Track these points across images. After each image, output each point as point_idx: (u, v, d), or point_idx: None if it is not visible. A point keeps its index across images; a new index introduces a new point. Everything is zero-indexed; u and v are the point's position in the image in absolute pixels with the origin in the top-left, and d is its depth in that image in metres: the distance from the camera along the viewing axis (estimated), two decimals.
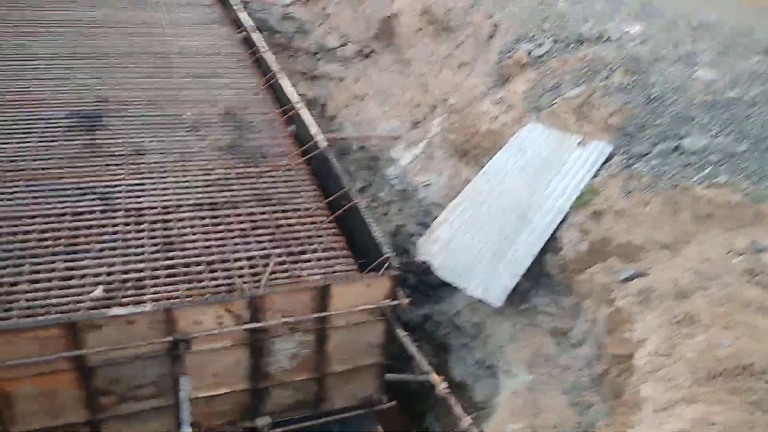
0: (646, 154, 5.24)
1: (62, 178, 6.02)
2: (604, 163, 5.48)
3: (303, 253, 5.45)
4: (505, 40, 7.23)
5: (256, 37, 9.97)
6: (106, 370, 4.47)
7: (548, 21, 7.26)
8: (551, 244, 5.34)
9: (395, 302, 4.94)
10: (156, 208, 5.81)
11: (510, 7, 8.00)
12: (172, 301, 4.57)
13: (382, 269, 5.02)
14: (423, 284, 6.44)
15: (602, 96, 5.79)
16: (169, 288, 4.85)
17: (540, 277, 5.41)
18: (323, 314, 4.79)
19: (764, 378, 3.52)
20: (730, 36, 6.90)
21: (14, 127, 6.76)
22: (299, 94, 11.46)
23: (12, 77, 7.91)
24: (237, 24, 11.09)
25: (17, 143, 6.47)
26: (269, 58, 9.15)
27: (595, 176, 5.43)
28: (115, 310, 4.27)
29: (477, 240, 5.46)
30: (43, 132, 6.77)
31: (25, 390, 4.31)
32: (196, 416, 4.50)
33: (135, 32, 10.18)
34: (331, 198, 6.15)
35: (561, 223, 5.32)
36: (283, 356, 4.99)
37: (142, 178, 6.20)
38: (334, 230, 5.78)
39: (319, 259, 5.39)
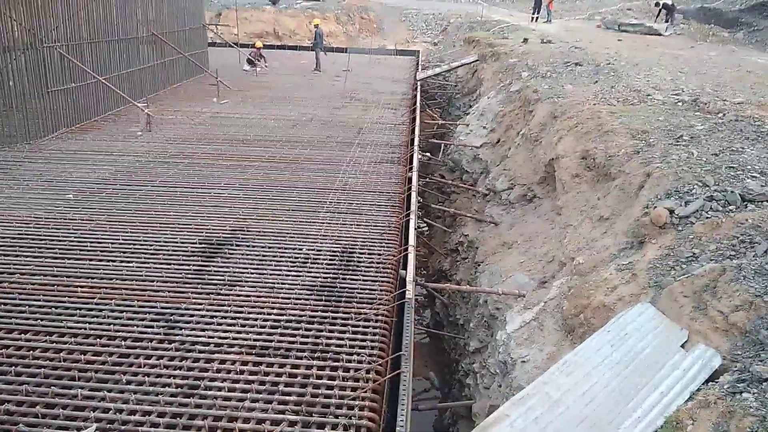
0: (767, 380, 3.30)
1: (150, 301, 6.19)
2: (709, 380, 3.64)
3: (321, 426, 4.56)
4: (654, 192, 5.73)
5: (414, 176, 9.81)
6: None
7: (715, 172, 5.61)
8: None
9: None
10: (209, 344, 5.54)
11: (680, 153, 6.48)
12: None
13: None
14: None
15: (733, 279, 3.99)
16: None
17: None
18: None
19: None
20: None
21: (148, 248, 7.32)
22: (464, 235, 10.88)
23: (180, 203, 8.83)
24: (410, 162, 11.17)
25: (137, 263, 6.94)
26: (413, 197, 8.82)
27: (690, 398, 3.61)
28: None
29: None
30: (168, 255, 7.21)
31: None
32: None
33: (312, 168, 10.83)
34: (389, 359, 5.22)
35: None
36: None
37: (216, 311, 6.06)
38: (372, 402, 4.80)
39: None
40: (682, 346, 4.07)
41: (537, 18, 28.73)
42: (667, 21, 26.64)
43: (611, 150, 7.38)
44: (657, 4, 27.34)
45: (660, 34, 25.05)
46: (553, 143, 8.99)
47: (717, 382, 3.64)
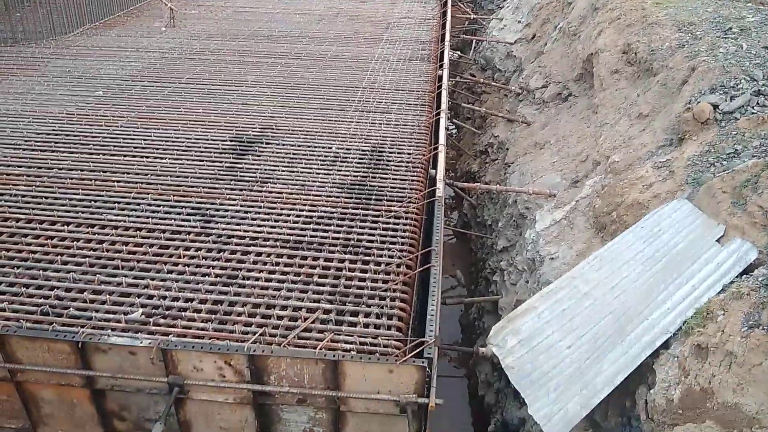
0: None
1: (186, 196, 6.31)
2: (743, 273, 3.64)
3: (355, 314, 4.74)
4: (698, 87, 5.48)
5: (445, 74, 9.54)
6: (115, 395, 4.41)
7: (765, 66, 5.31)
8: (645, 373, 3.70)
9: (420, 399, 3.94)
10: (245, 238, 5.69)
11: (728, 46, 6.14)
12: (170, 339, 4.29)
13: (413, 352, 4.06)
14: None
15: None
16: (201, 325, 4.61)
17: (629, 416, 3.77)
18: (327, 393, 4.04)
19: None
20: None
21: (180, 145, 7.38)
22: (494, 136, 10.71)
23: (209, 100, 8.78)
24: (441, 60, 10.83)
25: (170, 160, 7.03)
26: (443, 95, 8.62)
27: (722, 290, 3.62)
28: (114, 339, 4.16)
29: (565, 343, 4.08)
30: (200, 152, 7.28)
31: (48, 396, 4.46)
32: None
33: (339, 66, 10.59)
34: (419, 254, 5.33)
35: (663, 346, 3.66)
36: (296, 429, 4.36)
37: (250, 206, 6.18)
38: (403, 293, 4.95)
39: (366, 326, 4.63)
40: (718, 241, 4.05)
41: None
42: None
43: (655, 43, 7.02)
44: None
45: None
46: (592, 37, 8.58)
47: (751, 275, 3.65)
